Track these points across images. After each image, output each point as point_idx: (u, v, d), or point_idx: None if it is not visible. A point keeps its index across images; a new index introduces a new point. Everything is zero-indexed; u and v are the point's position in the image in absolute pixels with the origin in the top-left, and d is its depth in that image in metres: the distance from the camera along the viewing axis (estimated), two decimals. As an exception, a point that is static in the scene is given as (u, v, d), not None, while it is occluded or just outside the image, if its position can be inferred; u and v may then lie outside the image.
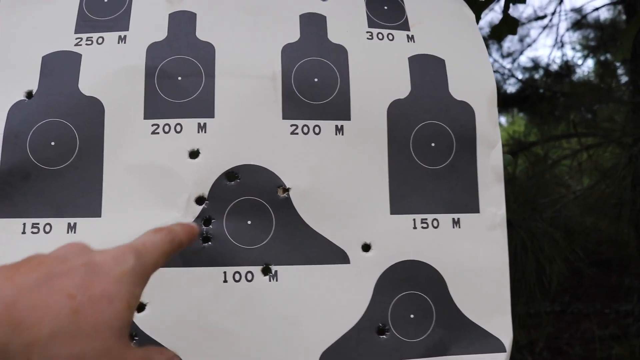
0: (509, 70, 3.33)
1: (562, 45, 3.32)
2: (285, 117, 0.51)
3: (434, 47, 0.56)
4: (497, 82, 0.56)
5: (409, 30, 0.56)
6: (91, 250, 0.32)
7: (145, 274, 0.33)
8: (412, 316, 0.51)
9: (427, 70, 0.55)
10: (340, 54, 0.53)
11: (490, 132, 0.55)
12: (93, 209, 0.49)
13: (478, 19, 0.88)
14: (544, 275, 1.22)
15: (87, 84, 0.51)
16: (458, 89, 0.55)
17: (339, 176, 0.51)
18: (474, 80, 0.56)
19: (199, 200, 0.49)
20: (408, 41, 0.56)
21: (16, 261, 0.30)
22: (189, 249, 0.48)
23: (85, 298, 0.28)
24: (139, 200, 0.49)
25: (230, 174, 0.50)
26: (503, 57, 3.32)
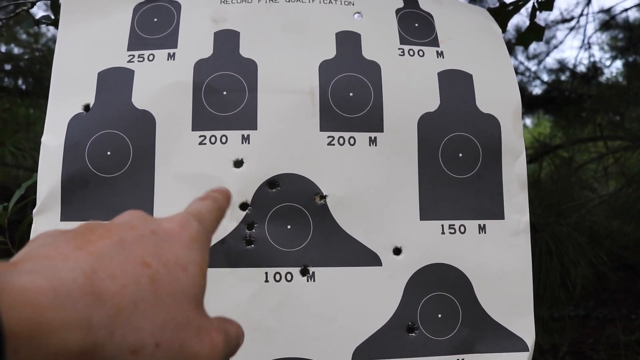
0: (534, 72, 3.31)
1: (590, 47, 3.29)
2: (322, 129, 0.55)
3: (462, 63, 0.59)
4: (522, 84, 0.58)
5: (438, 46, 0.60)
6: (154, 218, 0.31)
7: (208, 238, 0.32)
8: (439, 316, 0.54)
9: (456, 85, 0.58)
10: (373, 69, 0.57)
11: (515, 143, 0.58)
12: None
13: (505, 26, 0.91)
14: (569, 279, 1.24)
15: (140, 98, 0.55)
16: (485, 102, 0.58)
17: (372, 184, 0.55)
18: (499, 94, 0.59)
19: (243, 206, 0.53)
20: (437, 57, 0.59)
21: (73, 228, 0.28)
22: (233, 251, 0.53)
23: (161, 266, 0.27)
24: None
25: (272, 182, 0.54)
26: (529, 59, 3.31)
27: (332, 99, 0.55)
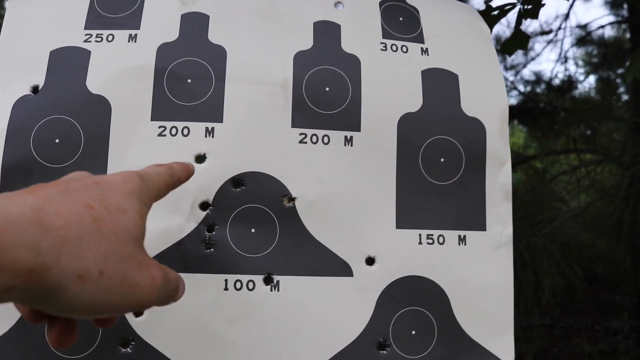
0: (512, 82, 3.33)
1: (566, 61, 3.33)
2: (294, 125, 0.51)
3: (448, 62, 0.55)
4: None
5: (423, 43, 0.56)
6: (99, 175, 0.35)
7: (149, 195, 0.35)
8: (413, 332, 0.50)
9: (440, 85, 0.54)
10: (353, 63, 0.53)
11: (501, 149, 0.54)
12: None
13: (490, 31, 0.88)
14: (540, 289, 1.22)
15: (95, 82, 0.50)
16: (470, 105, 0.54)
17: (345, 188, 0.51)
18: (486, 96, 0.55)
19: (203, 206, 0.49)
20: (422, 54, 0.55)
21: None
22: (190, 255, 0.48)
23: (103, 208, 0.30)
24: None
25: (236, 181, 0.49)
26: (506, 69, 3.33)
27: (307, 93, 0.51)
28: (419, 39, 0.56)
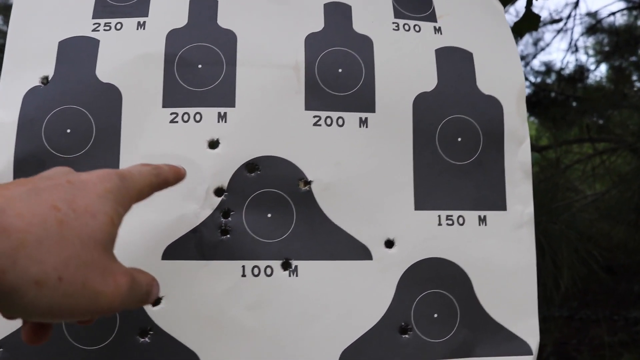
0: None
1: (576, 50, 3.29)
2: (308, 108, 0.50)
3: (461, 40, 0.54)
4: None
5: (436, 21, 0.55)
6: (77, 172, 0.34)
7: (128, 196, 0.34)
8: (435, 315, 0.49)
9: (455, 63, 0.53)
10: (365, 44, 0.52)
11: (519, 127, 0.53)
12: None
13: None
14: (561, 278, 1.20)
15: (105, 71, 0.49)
16: (486, 83, 0.53)
17: (362, 170, 0.50)
18: (502, 74, 0.54)
19: (218, 192, 0.48)
20: (435, 33, 0.54)
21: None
22: (206, 242, 0.47)
23: (70, 211, 0.29)
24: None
25: (251, 165, 0.48)
26: (516, 59, 3.28)
27: (319, 75, 0.50)
28: (432, 17, 0.55)
